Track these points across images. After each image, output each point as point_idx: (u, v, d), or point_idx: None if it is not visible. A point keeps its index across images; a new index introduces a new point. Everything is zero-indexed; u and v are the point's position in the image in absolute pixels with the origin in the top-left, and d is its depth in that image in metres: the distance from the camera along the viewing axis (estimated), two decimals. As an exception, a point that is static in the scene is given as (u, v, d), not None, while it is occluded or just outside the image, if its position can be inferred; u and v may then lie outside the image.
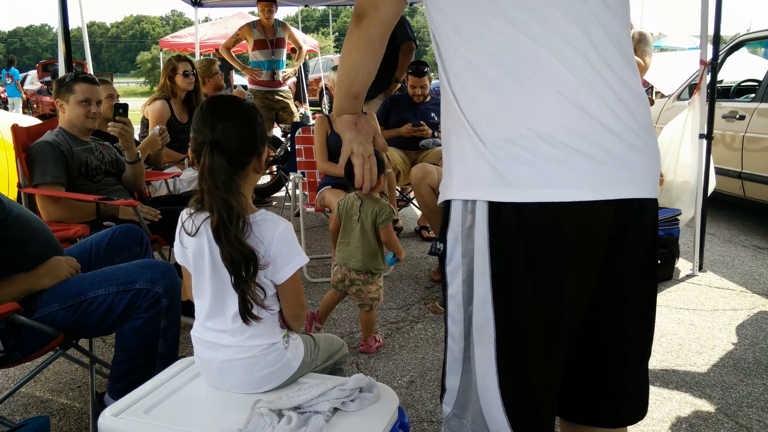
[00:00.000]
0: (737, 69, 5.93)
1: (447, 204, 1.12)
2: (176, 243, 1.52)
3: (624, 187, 1.05)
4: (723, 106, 4.60)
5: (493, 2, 1.03)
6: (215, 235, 1.38)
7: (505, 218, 1.03)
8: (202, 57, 6.57)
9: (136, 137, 3.88)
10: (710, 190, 3.67)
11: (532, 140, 1.02)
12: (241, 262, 1.37)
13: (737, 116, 4.47)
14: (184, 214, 1.48)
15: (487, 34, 1.04)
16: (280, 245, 1.44)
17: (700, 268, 3.63)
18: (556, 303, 1.06)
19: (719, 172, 4.20)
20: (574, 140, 1.02)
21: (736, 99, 4.88)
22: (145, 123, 4.14)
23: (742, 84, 5.11)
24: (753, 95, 4.62)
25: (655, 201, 1.13)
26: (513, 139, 1.02)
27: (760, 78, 4.65)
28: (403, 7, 1.23)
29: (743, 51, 6.02)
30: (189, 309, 1.62)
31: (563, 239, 1.03)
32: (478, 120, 1.07)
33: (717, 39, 3.48)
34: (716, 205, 4.93)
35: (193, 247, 1.46)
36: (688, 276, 3.59)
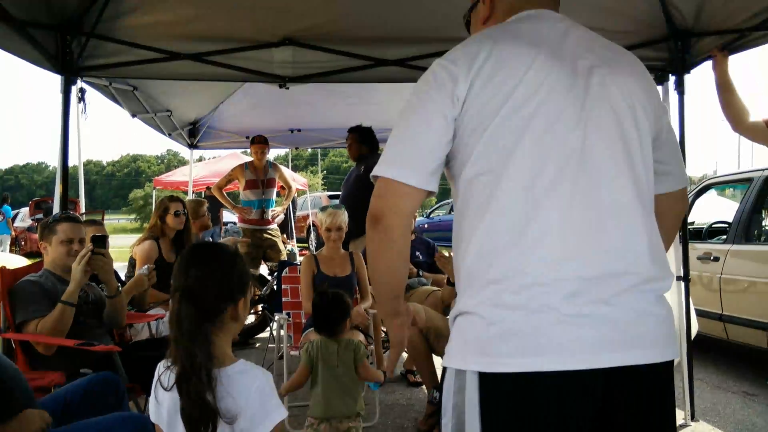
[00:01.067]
0: (707, 210, 6.21)
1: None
2: (151, 398, 1.47)
3: (613, 353, 1.05)
4: (697, 248, 4.76)
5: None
6: (177, 387, 1.34)
7: (493, 386, 1.06)
8: (193, 195, 6.81)
9: (122, 277, 3.89)
10: (693, 333, 3.68)
11: (519, 309, 1.05)
12: (200, 421, 1.31)
13: (711, 257, 4.61)
14: (161, 366, 1.45)
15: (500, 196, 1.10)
16: (258, 400, 1.40)
17: (692, 417, 3.53)
18: None
19: (700, 314, 4.23)
20: (564, 306, 1.04)
21: (709, 240, 5.06)
22: (132, 263, 4.16)
23: (713, 225, 5.33)
24: (725, 236, 4.80)
25: (662, 365, 1.11)
26: (499, 305, 1.06)
27: (729, 220, 4.86)
28: (424, 198, 1.20)
29: (711, 192, 6.34)
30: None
31: (545, 406, 1.05)
32: (472, 287, 1.11)
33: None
34: (702, 348, 4.90)
35: (168, 403, 1.41)
36: (682, 426, 3.47)
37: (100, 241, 2.71)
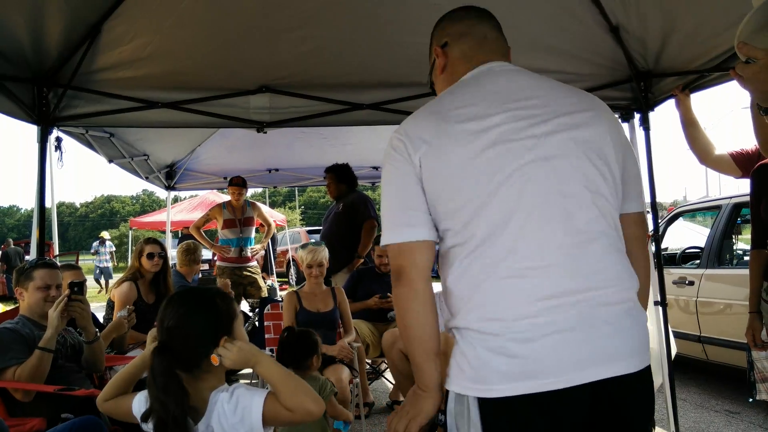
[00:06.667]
0: (679, 237, 6.37)
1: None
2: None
3: (597, 368, 1.12)
4: (672, 273, 4.87)
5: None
6: None
7: (492, 409, 1.14)
8: (171, 235, 6.71)
9: (100, 320, 3.83)
10: (673, 354, 3.74)
11: (504, 335, 1.13)
12: None
13: (687, 282, 4.71)
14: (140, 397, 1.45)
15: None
16: (244, 396, 1.43)
17: (677, 437, 3.57)
18: None
19: (680, 336, 4.30)
20: (546, 329, 1.12)
21: (683, 265, 5.17)
22: (111, 305, 4.10)
23: (686, 251, 5.46)
24: (698, 261, 4.92)
25: (639, 374, 1.17)
26: (486, 333, 1.15)
27: (701, 245, 4.99)
28: (434, 249, 1.27)
29: (680, 220, 6.52)
30: None
31: (544, 423, 1.12)
32: (461, 316, 1.21)
33: (654, 209, 3.78)
34: (683, 370, 4.97)
35: None
36: (667, 446, 3.51)
37: (78, 287, 2.69)
